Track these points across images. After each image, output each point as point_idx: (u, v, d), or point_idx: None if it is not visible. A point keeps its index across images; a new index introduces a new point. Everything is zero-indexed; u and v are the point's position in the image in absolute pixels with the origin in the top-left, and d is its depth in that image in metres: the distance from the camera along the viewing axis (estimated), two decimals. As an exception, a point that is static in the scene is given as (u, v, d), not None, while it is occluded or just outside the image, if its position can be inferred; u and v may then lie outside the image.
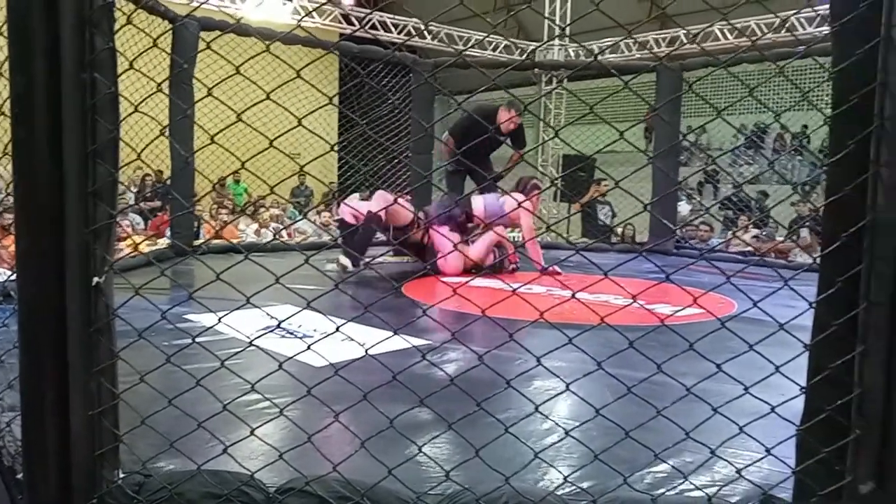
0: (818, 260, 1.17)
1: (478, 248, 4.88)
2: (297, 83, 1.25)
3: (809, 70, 8.91)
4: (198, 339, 1.35)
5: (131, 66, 1.22)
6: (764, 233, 7.24)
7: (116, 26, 1.19)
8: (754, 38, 7.83)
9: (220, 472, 1.27)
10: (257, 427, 1.34)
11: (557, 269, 4.55)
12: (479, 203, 4.97)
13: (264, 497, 1.22)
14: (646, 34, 10.51)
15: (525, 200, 4.69)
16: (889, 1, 1.07)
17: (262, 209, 9.10)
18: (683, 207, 9.24)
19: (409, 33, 9.71)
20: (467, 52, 9.51)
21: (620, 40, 9.22)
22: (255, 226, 8.42)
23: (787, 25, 7.95)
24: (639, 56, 9.64)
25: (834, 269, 1.13)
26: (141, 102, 1.26)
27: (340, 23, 9.77)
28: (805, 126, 8.20)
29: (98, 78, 1.14)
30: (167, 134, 1.33)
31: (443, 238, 4.71)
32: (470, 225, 5.04)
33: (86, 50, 1.12)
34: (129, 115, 1.25)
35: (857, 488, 1.13)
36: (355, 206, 4.79)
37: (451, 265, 4.67)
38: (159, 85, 1.28)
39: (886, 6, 1.07)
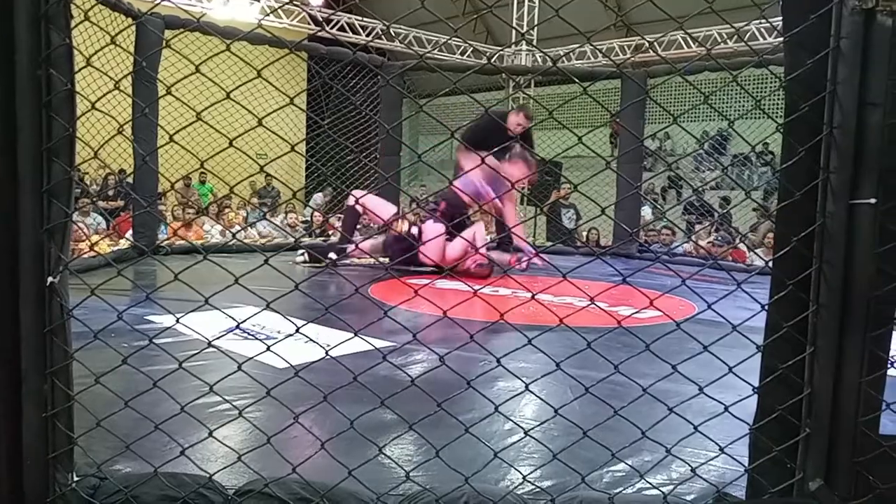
0: (770, 263, 1.20)
1: (455, 247, 4.88)
2: (266, 83, 1.24)
3: (769, 79, 9.13)
4: (161, 341, 1.33)
5: (88, 64, 1.20)
6: (719, 236, 7.36)
7: (75, 22, 1.17)
8: (710, 47, 8.03)
9: (178, 474, 1.25)
10: (216, 429, 1.32)
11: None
12: (462, 186, 4.95)
13: (223, 499, 1.21)
14: (611, 41, 10.68)
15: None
16: (838, 12, 1.11)
17: (227, 209, 8.99)
18: (647, 212, 9.37)
19: (377, 35, 9.71)
20: (433, 56, 9.55)
21: (580, 46, 9.35)
22: (220, 227, 8.31)
23: (746, 36, 8.12)
24: (605, 62, 9.79)
25: (786, 273, 1.17)
26: (98, 100, 1.24)
27: (309, 24, 9.74)
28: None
29: (54, 74, 1.12)
30: (125, 132, 1.30)
31: (429, 228, 4.84)
32: (458, 217, 5.03)
33: (41, 46, 1.10)
34: (87, 112, 1.23)
35: (807, 485, 1.16)
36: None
37: (431, 251, 4.74)
38: (117, 83, 1.26)
39: (836, 17, 1.11)
